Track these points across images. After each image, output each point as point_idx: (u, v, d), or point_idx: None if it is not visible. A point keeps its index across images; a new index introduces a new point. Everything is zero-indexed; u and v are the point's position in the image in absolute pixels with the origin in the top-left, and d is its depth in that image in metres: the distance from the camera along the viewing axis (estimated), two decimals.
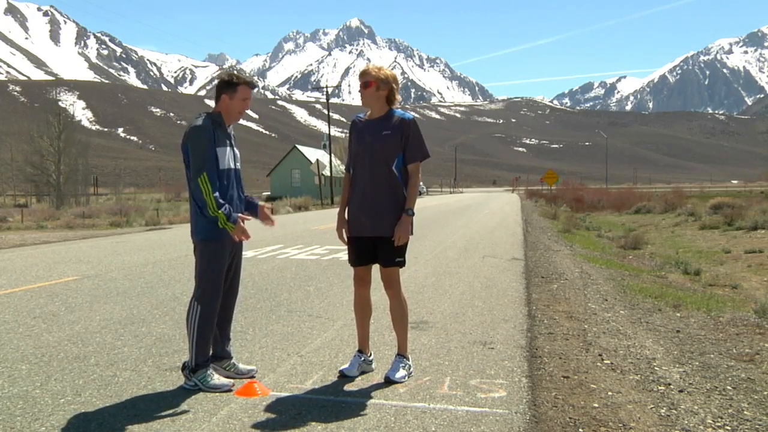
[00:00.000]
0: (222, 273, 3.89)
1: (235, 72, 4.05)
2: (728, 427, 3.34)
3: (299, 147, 67.88)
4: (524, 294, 7.11)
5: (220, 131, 3.86)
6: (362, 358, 4.11)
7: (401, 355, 4.06)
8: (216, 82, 3.97)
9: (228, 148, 3.89)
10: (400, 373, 3.95)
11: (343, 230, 4.08)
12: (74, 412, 3.45)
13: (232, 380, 3.89)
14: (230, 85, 3.88)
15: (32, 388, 3.82)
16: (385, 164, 3.91)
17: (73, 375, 4.07)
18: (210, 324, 3.85)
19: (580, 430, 3.28)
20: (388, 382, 3.90)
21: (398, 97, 3.99)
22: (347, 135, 4.29)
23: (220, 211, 3.71)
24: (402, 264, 4.03)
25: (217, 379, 3.83)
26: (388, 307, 4.17)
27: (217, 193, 3.73)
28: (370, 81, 3.90)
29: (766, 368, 4.37)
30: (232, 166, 3.92)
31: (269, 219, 4.20)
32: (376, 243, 3.96)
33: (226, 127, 3.93)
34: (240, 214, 3.82)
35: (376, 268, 4.07)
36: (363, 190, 3.95)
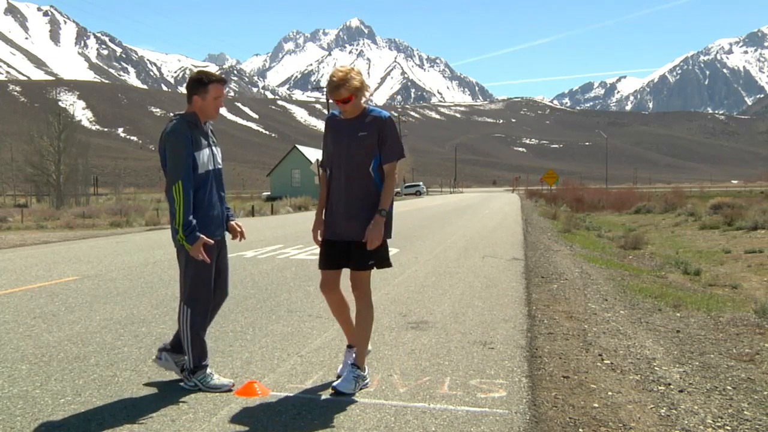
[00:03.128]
0: (210, 273, 3.84)
1: (205, 71, 3.94)
2: (728, 427, 3.34)
3: (299, 147, 67.84)
4: (524, 294, 7.11)
5: (197, 132, 3.79)
6: (354, 354, 3.97)
7: (356, 365, 3.82)
8: (187, 81, 3.86)
9: (207, 150, 3.81)
10: (351, 385, 3.72)
11: (318, 232, 3.91)
12: (74, 412, 3.45)
13: (231, 380, 3.88)
14: (201, 84, 3.78)
15: (32, 388, 3.82)
16: (362, 166, 3.77)
17: (73, 375, 4.07)
18: (203, 324, 3.84)
19: (580, 430, 3.28)
20: (337, 393, 3.68)
21: (368, 88, 3.79)
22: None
23: (182, 228, 3.63)
24: (376, 266, 3.82)
25: (217, 379, 3.82)
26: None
27: (190, 207, 3.65)
28: (348, 96, 3.69)
29: (766, 368, 4.37)
30: (212, 167, 3.84)
31: (238, 234, 4.07)
32: (350, 245, 3.80)
33: (202, 127, 3.84)
34: (204, 237, 3.69)
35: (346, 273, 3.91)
36: (339, 193, 3.80)
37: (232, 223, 4.08)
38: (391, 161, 3.83)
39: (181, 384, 3.83)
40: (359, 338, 3.89)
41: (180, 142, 3.68)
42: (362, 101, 3.81)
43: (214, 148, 3.91)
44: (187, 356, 3.83)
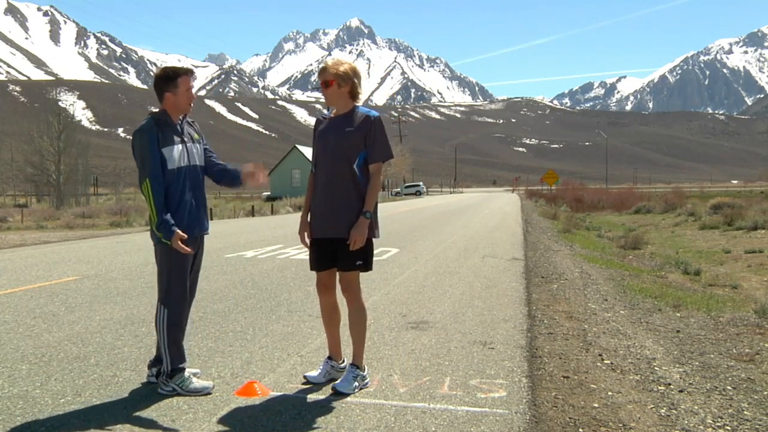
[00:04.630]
0: (186, 274, 3.79)
1: (170, 66, 3.90)
2: (728, 427, 3.34)
3: (299, 147, 67.86)
4: (524, 294, 7.10)
5: (168, 130, 3.74)
6: (331, 365, 3.95)
7: (355, 365, 3.83)
8: (154, 80, 3.83)
9: (179, 146, 3.76)
10: (351, 385, 3.74)
11: (305, 234, 3.87)
12: (74, 412, 3.45)
13: (211, 382, 3.82)
14: (169, 79, 3.76)
15: (32, 388, 3.82)
16: (346, 162, 3.72)
17: (73, 375, 4.07)
18: (179, 326, 3.76)
19: (580, 430, 3.28)
20: (336, 393, 3.69)
21: (361, 91, 3.82)
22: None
23: (154, 225, 3.65)
24: (363, 268, 3.79)
25: (196, 382, 3.75)
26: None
27: (162, 201, 3.64)
28: (330, 80, 3.70)
29: (766, 368, 4.37)
30: (185, 163, 3.78)
31: (255, 176, 3.97)
32: (336, 245, 3.76)
33: (174, 124, 3.80)
34: (179, 231, 3.65)
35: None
36: (323, 189, 3.77)
37: (246, 170, 3.98)
38: (377, 161, 3.79)
39: (159, 390, 3.73)
40: (355, 339, 3.88)
41: (145, 140, 3.66)
42: (347, 92, 3.76)
43: (189, 144, 3.85)
44: (164, 359, 3.73)
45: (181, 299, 3.77)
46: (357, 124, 3.75)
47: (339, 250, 3.76)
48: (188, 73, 3.83)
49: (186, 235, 3.69)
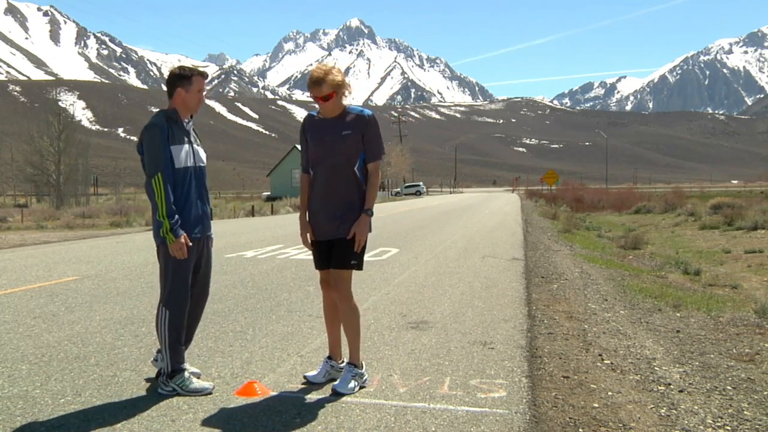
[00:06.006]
0: (188, 274, 3.77)
1: (185, 65, 3.91)
2: (728, 427, 3.34)
3: (299, 147, 67.86)
4: (524, 294, 7.10)
5: (177, 128, 3.74)
6: (331, 365, 3.95)
7: (352, 364, 3.83)
8: (167, 77, 3.83)
9: (186, 146, 3.76)
10: (350, 385, 3.74)
11: (308, 234, 3.86)
12: (74, 412, 3.45)
13: (212, 383, 3.82)
14: (184, 78, 3.75)
15: (32, 388, 3.82)
16: (347, 165, 3.71)
17: (73, 375, 4.07)
18: (181, 328, 3.75)
19: (580, 430, 3.28)
20: (336, 394, 3.68)
21: (349, 88, 3.77)
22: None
23: (167, 219, 3.59)
24: (357, 266, 3.79)
25: (196, 382, 3.75)
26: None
27: (171, 198, 3.61)
28: (330, 93, 3.64)
29: (766, 368, 4.37)
30: (191, 164, 3.79)
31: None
32: (333, 244, 3.77)
33: (183, 123, 3.80)
34: (184, 234, 3.67)
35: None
36: (324, 192, 3.75)
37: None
38: (375, 160, 3.80)
39: (159, 390, 3.72)
40: (350, 338, 3.88)
41: (156, 135, 3.64)
42: (342, 100, 3.75)
43: (195, 145, 3.87)
44: (164, 359, 3.74)
45: (184, 301, 3.76)
46: (353, 124, 3.74)
47: (336, 249, 3.76)
48: (203, 75, 3.85)
49: (190, 243, 3.70)
